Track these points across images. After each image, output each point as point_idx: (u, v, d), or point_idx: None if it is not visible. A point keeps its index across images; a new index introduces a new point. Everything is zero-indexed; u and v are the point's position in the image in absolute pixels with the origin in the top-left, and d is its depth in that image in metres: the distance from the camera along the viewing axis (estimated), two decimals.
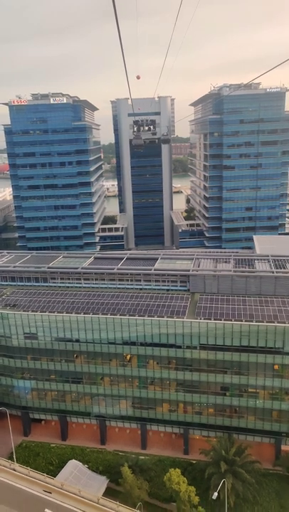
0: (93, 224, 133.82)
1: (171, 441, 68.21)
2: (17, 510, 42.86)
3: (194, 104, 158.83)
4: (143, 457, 62.20)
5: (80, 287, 74.97)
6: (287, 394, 60.54)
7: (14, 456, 55.75)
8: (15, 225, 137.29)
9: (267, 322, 58.56)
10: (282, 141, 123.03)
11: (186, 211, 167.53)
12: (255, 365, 59.56)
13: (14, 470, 48.60)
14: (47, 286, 76.35)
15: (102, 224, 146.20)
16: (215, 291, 68.36)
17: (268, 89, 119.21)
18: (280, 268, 70.21)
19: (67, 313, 65.07)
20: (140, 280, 73.08)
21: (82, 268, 76.16)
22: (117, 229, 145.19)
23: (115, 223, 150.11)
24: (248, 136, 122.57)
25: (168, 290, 71.42)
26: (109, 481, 57.82)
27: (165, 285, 72.04)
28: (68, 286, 75.66)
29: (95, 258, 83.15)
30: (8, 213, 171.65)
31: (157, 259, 79.16)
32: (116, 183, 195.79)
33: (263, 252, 79.36)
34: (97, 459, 63.90)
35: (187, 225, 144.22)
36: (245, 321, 59.37)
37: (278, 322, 58.34)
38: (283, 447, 62.59)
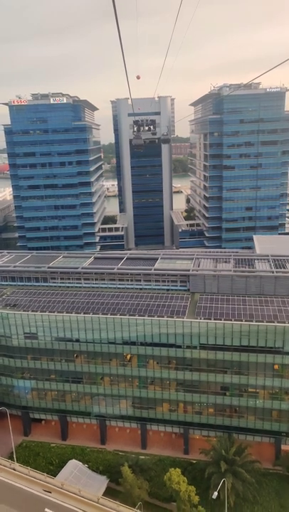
0: (93, 224, 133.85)
1: (171, 440, 68.26)
2: (17, 510, 42.87)
3: (194, 104, 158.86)
4: (143, 457, 62.21)
5: (80, 287, 74.99)
6: (287, 394, 60.57)
7: (14, 456, 55.70)
8: (15, 224, 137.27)
9: (267, 322, 58.60)
10: (282, 141, 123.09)
11: (186, 211, 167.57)
12: (255, 365, 59.60)
13: (14, 469, 48.59)
14: (47, 286, 76.38)
15: (102, 224, 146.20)
16: (215, 291, 68.39)
17: (267, 89, 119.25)
18: (280, 268, 70.24)
19: (67, 313, 65.09)
20: (140, 280, 73.11)
21: (82, 268, 76.19)
22: (117, 229, 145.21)
23: (115, 223, 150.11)
24: (248, 136, 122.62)
25: (168, 290, 71.44)
26: (110, 480, 57.85)
27: (165, 285, 72.07)
28: (68, 286, 75.69)
29: (95, 258, 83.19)
30: (8, 213, 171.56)
31: (157, 259, 79.19)
32: (116, 183, 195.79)
33: (263, 252, 79.41)
34: (97, 459, 63.93)
35: (187, 224, 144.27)
36: (245, 320, 59.41)
37: (278, 322, 58.37)
38: (283, 447, 62.64)
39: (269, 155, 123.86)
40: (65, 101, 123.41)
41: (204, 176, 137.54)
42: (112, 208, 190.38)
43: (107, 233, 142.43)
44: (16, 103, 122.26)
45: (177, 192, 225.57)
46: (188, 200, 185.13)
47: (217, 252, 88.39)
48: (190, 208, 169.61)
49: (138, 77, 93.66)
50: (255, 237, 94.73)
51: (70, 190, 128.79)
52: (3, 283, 78.15)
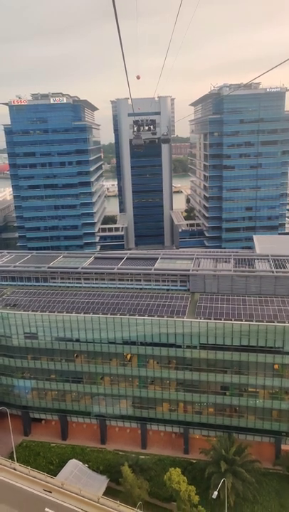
0: (93, 224, 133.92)
1: (171, 440, 68.29)
2: (17, 510, 42.96)
3: (194, 104, 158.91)
4: (143, 457, 62.24)
5: (80, 287, 75.02)
6: (287, 393, 60.61)
7: (15, 456, 55.75)
8: (15, 224, 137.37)
9: (267, 322, 58.63)
10: (282, 141, 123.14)
11: (186, 211, 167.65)
12: (255, 365, 59.62)
13: (14, 469, 48.69)
14: (47, 286, 76.41)
15: (102, 224, 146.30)
16: (215, 291, 68.41)
17: (267, 89, 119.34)
18: (280, 268, 70.27)
19: (67, 312, 65.12)
20: (140, 280, 73.13)
21: (82, 268, 76.22)
22: (117, 229, 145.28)
23: (115, 223, 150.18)
24: (248, 136, 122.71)
25: (168, 290, 71.47)
26: (110, 480, 57.86)
27: (165, 285, 72.09)
28: (68, 286, 75.71)
29: (95, 258, 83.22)
30: (8, 213, 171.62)
31: (157, 259, 79.22)
32: (116, 183, 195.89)
33: (263, 252, 79.45)
34: (97, 459, 63.95)
35: (187, 224, 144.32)
36: (245, 320, 59.43)
37: (278, 322, 58.40)
38: (283, 446, 62.65)
39: (269, 155, 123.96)
40: (65, 101, 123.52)
41: (204, 175, 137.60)
42: (112, 207, 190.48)
43: (107, 233, 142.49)
44: (16, 103, 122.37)
45: (177, 192, 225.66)
46: (188, 200, 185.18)
47: (217, 252, 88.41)
48: (190, 208, 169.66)
49: (138, 77, 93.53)
50: (255, 237, 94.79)
51: (70, 190, 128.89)
52: (3, 283, 78.17)
